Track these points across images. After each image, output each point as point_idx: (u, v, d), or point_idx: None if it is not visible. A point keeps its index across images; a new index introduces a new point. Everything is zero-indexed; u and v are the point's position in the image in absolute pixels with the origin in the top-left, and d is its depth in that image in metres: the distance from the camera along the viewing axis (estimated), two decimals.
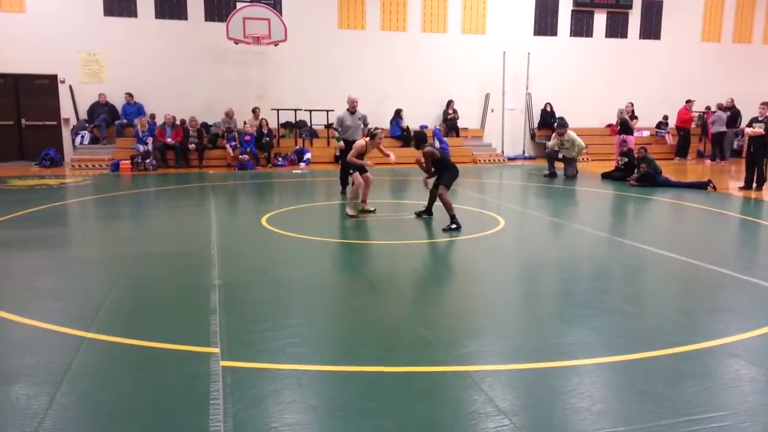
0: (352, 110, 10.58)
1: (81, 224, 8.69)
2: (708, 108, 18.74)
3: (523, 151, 19.04)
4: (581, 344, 3.84)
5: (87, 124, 15.68)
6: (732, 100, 17.73)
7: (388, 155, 8.51)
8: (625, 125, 14.17)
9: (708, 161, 17.22)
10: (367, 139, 8.50)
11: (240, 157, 14.93)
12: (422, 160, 7.81)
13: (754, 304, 4.76)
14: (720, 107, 17.48)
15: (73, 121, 15.86)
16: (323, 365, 3.51)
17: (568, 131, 13.54)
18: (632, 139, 13.89)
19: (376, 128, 8.97)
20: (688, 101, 18.19)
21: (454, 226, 7.41)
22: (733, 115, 17.60)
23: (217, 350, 3.66)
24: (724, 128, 17.11)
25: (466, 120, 18.35)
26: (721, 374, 3.43)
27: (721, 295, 5.03)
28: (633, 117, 14.38)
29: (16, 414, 2.92)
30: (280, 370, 3.41)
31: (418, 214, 8.28)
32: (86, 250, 6.72)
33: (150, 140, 14.78)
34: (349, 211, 8.28)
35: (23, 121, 15.75)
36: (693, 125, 18.36)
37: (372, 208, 8.62)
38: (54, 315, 4.33)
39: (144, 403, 3.06)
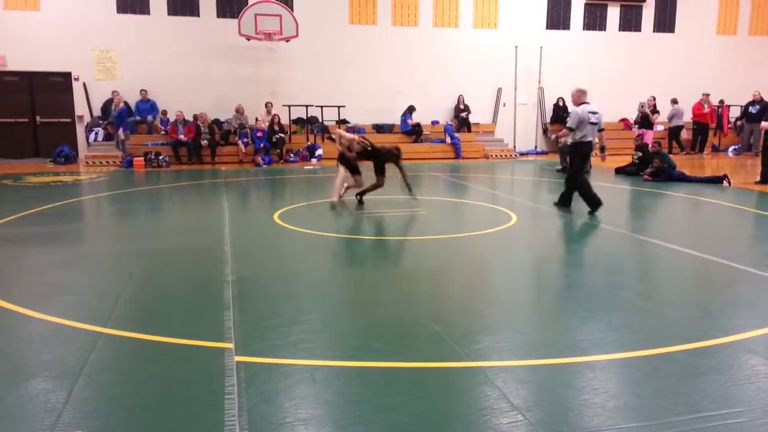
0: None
1: (96, 220, 8.77)
2: (722, 102, 18.52)
3: (535, 146, 18.96)
4: (595, 340, 3.82)
5: (101, 121, 15.81)
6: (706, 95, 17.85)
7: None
8: (645, 119, 14.06)
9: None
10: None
11: (255, 158, 15.11)
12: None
13: None
14: (674, 102, 17.40)
15: (87, 118, 16.01)
16: (336, 360, 3.52)
17: None
18: (651, 133, 13.78)
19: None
20: (704, 95, 18.00)
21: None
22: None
23: (231, 345, 3.69)
24: (681, 122, 17.13)
25: (478, 115, 18.30)
26: (737, 370, 3.39)
27: (736, 291, 4.98)
28: (654, 111, 14.29)
29: (35, 408, 2.95)
30: (294, 365, 3.42)
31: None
32: (101, 246, 6.78)
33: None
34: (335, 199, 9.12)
35: (38, 118, 15.92)
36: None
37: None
38: (70, 310, 4.37)
39: (160, 397, 3.09)
